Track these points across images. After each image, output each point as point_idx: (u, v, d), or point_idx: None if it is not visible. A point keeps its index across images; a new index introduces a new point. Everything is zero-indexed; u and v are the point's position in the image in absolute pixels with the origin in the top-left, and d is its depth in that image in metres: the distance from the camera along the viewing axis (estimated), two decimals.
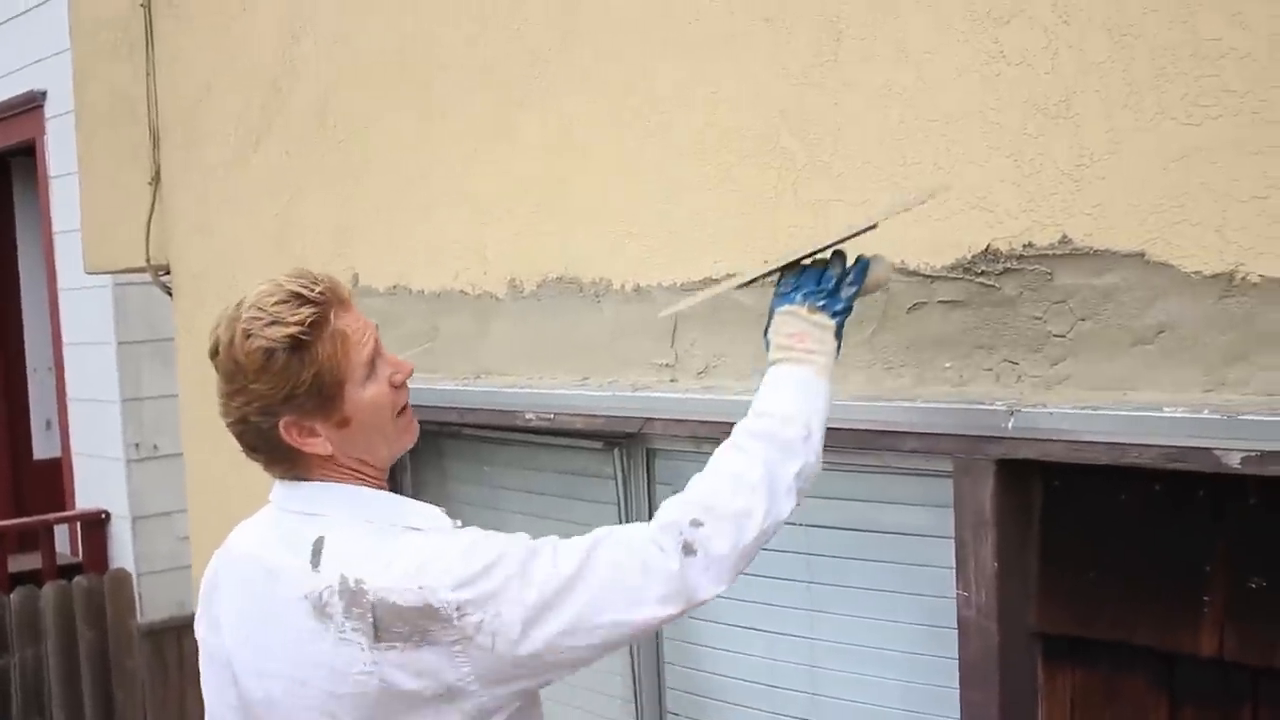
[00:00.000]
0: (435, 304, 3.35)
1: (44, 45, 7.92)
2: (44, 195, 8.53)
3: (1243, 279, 1.95)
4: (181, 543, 6.58)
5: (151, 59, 4.57)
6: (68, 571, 7.98)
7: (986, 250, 2.24)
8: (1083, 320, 2.13)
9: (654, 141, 2.80)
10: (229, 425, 2.05)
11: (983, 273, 2.25)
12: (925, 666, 2.50)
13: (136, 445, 7.93)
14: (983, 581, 2.23)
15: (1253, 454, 1.88)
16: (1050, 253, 2.16)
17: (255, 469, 4.20)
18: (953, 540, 2.27)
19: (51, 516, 8.40)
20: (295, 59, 3.87)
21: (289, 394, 1.94)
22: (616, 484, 3.04)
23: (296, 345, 1.92)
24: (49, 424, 9.41)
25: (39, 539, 8.27)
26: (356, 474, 2.04)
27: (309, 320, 1.92)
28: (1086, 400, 2.11)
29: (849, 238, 2.13)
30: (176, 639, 7.37)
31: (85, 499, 8.43)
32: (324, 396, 1.95)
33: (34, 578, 7.99)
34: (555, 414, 2.98)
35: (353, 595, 1.88)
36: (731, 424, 2.56)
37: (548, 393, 3.01)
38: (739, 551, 1.97)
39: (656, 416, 2.77)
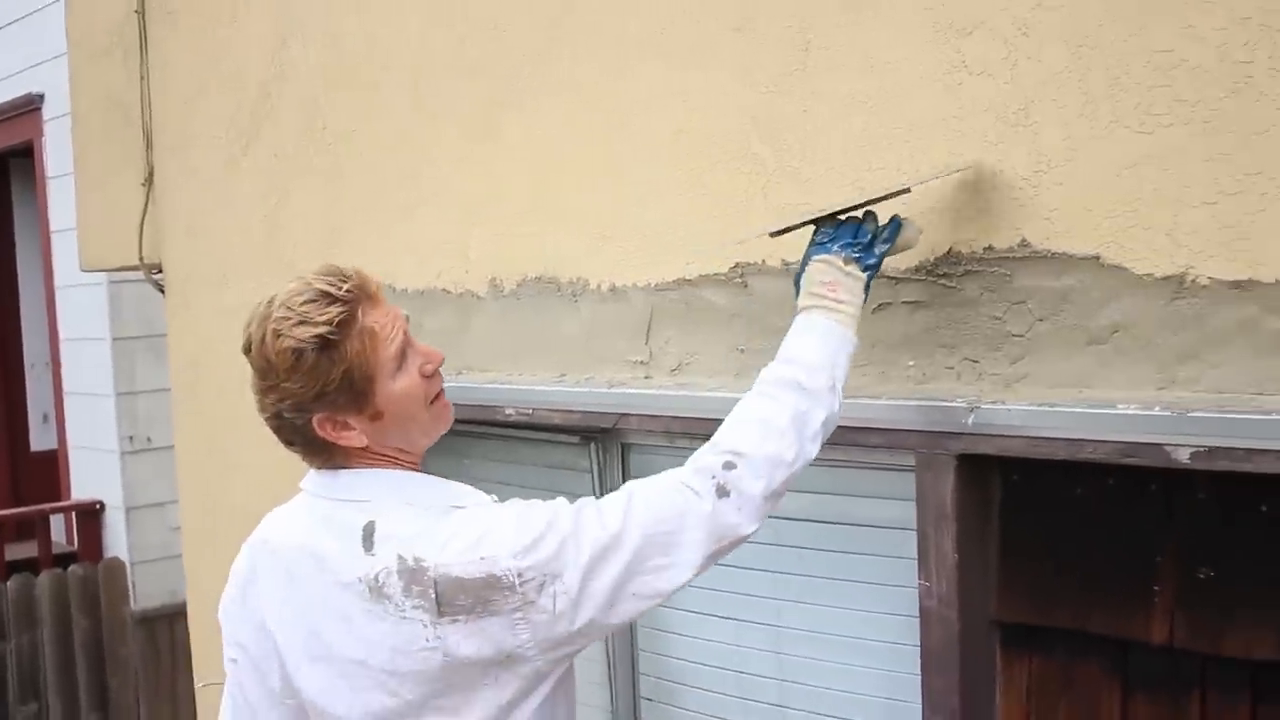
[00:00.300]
0: (419, 302, 3.35)
1: (42, 49, 7.88)
2: (41, 195, 8.49)
3: (1193, 281, 1.96)
4: (174, 533, 6.56)
5: (145, 63, 4.55)
6: (63, 560, 7.97)
7: (949, 253, 2.25)
8: (1040, 320, 2.14)
9: (630, 146, 2.80)
10: (265, 420, 2.05)
11: (945, 274, 2.26)
12: (888, 654, 2.51)
13: (130, 438, 7.91)
14: (944, 572, 2.24)
15: (1201, 450, 1.90)
16: (1009, 255, 2.17)
17: (243, 464, 4.21)
18: (915, 532, 2.28)
19: (48, 506, 8.39)
20: (284, 63, 3.86)
21: (320, 391, 1.93)
22: (592, 477, 3.05)
23: (325, 344, 1.91)
24: (46, 417, 9.38)
25: (35, 528, 8.25)
26: (394, 460, 2.04)
27: (336, 319, 1.91)
28: (1044, 398, 2.12)
29: (885, 198, 2.17)
30: (169, 626, 7.37)
31: (81, 490, 8.41)
32: (355, 392, 1.94)
33: (30, 566, 7.98)
34: (534, 409, 2.99)
35: (412, 574, 1.89)
36: (704, 419, 2.57)
37: (526, 389, 3.01)
38: (771, 491, 1.99)
39: (631, 412, 2.77)
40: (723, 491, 1.95)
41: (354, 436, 1.99)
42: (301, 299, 1.93)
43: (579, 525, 1.91)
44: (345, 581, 1.95)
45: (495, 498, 2.04)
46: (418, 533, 1.93)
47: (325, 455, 2.04)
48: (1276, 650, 1.96)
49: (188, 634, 4.85)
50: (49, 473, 8.84)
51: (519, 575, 1.86)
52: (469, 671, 1.91)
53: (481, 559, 1.87)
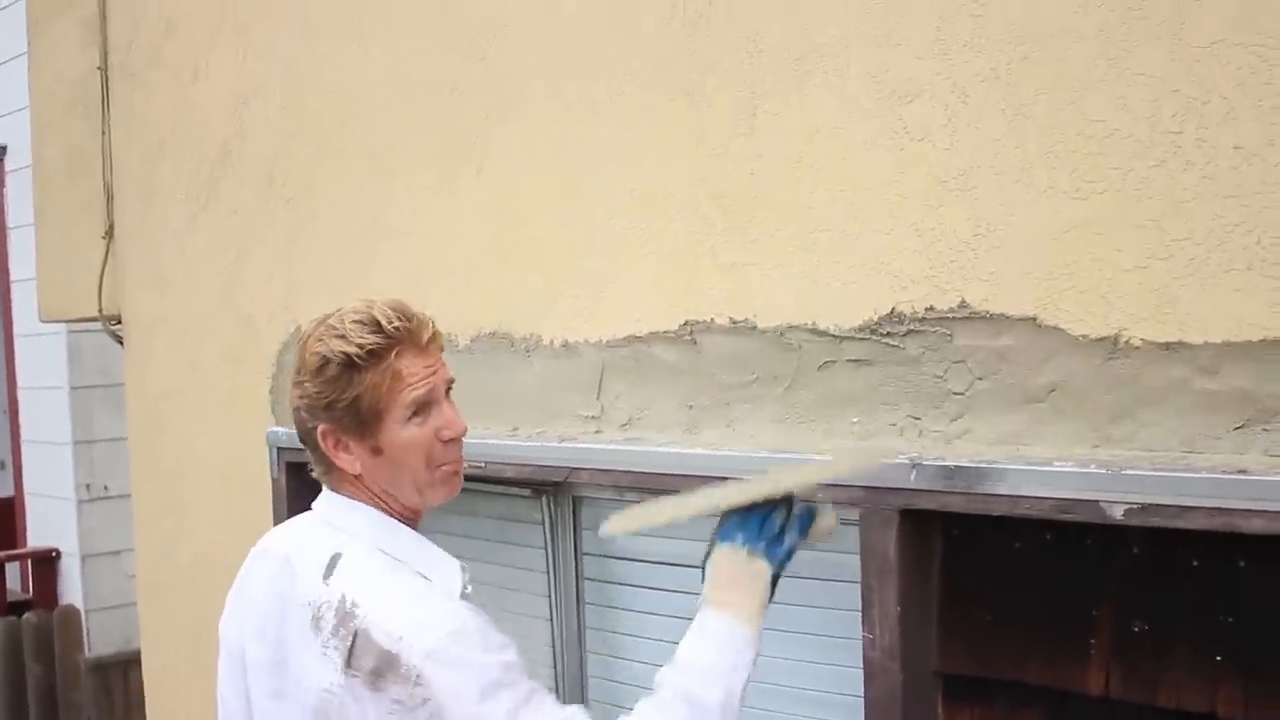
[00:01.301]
0: None
1: (4, 102, 7.83)
2: (2, 245, 8.42)
3: (1126, 342, 1.98)
4: (129, 580, 6.47)
5: (107, 119, 4.54)
6: (18, 608, 7.84)
7: (891, 313, 2.27)
8: (980, 379, 2.16)
9: (583, 205, 2.81)
10: (291, 411, 2.06)
11: (888, 333, 2.28)
12: (833, 704, 2.51)
13: (87, 486, 7.82)
14: (887, 624, 2.24)
15: (1135, 506, 1.92)
16: (950, 316, 2.19)
17: (200, 514, 4.16)
18: (859, 585, 2.28)
19: (3, 554, 8.25)
20: (245, 121, 3.86)
21: (330, 403, 1.95)
22: (544, 529, 3.04)
23: (349, 364, 1.93)
24: (3, 464, 9.24)
25: None
26: (383, 503, 2.03)
27: (369, 348, 1.93)
28: (983, 454, 2.14)
29: (795, 488, 2.00)
30: (123, 673, 7.26)
31: (37, 537, 8.29)
32: (360, 420, 1.95)
33: None
34: (486, 462, 2.98)
35: (344, 616, 1.89)
36: (654, 474, 2.58)
37: (480, 442, 2.99)
38: None
39: (582, 466, 2.77)
40: None
41: (350, 461, 1.99)
42: (354, 318, 1.96)
43: (494, 692, 1.83)
44: (300, 602, 1.96)
45: (468, 588, 2.01)
46: (370, 580, 1.94)
47: (324, 467, 2.05)
48: (1207, 701, 1.97)
49: (141, 682, 4.78)
50: (5, 520, 8.71)
51: (417, 676, 1.82)
52: None
53: (400, 638, 1.84)
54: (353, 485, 2.03)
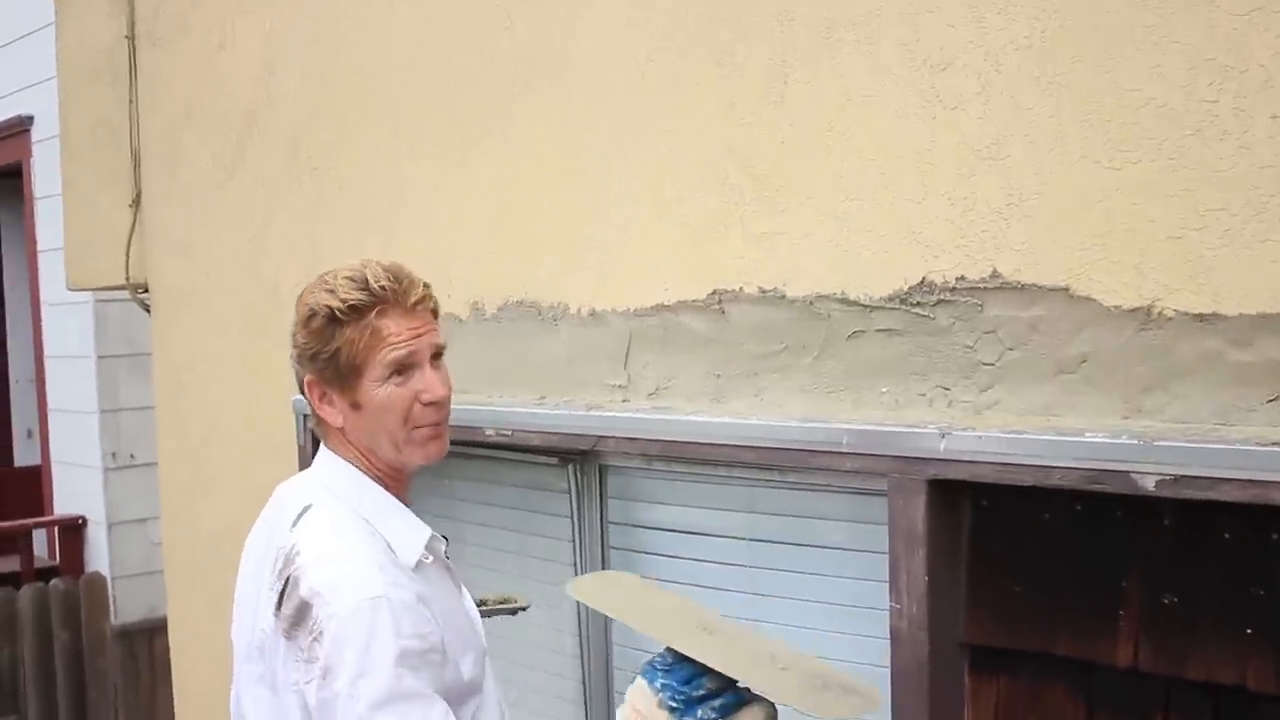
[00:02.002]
0: None
1: (32, 72, 7.84)
2: (29, 215, 8.44)
3: (1159, 313, 1.97)
4: (155, 548, 6.51)
5: (134, 87, 4.54)
6: (45, 574, 7.90)
7: (922, 282, 2.25)
8: (1011, 349, 2.15)
9: (611, 174, 2.80)
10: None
11: (918, 303, 2.26)
12: (860, 674, 2.50)
13: (113, 454, 7.86)
14: (914, 595, 2.23)
15: (1166, 478, 1.90)
16: (981, 286, 2.17)
17: (225, 481, 4.18)
18: (887, 555, 2.28)
19: (30, 521, 8.31)
20: (271, 91, 3.86)
21: (314, 354, 2.01)
22: (570, 498, 3.04)
23: (332, 317, 1.98)
24: (30, 433, 9.31)
25: (18, 543, 8.18)
26: (365, 459, 2.06)
27: (350, 303, 1.97)
28: (1013, 425, 2.12)
29: (753, 684, 1.84)
30: (148, 640, 7.31)
31: (63, 505, 8.34)
32: (340, 373, 1.99)
33: (12, 580, 7.90)
34: (513, 431, 2.98)
35: (286, 562, 1.96)
36: (681, 442, 2.58)
37: (506, 410, 3.01)
38: None
39: (609, 435, 2.77)
40: None
41: (333, 414, 2.04)
42: (346, 274, 2.01)
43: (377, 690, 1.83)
44: (275, 545, 2.03)
45: (428, 557, 2.02)
46: (317, 533, 1.99)
47: (316, 418, 2.10)
48: (1237, 674, 1.96)
49: (167, 648, 4.81)
50: (32, 488, 8.76)
51: (319, 634, 1.86)
52: (274, 672, 1.96)
53: (318, 592, 1.89)
54: (338, 439, 2.07)
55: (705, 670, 1.84)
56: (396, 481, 2.09)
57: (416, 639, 1.88)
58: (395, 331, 1.99)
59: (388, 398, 2.00)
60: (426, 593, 1.97)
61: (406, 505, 2.10)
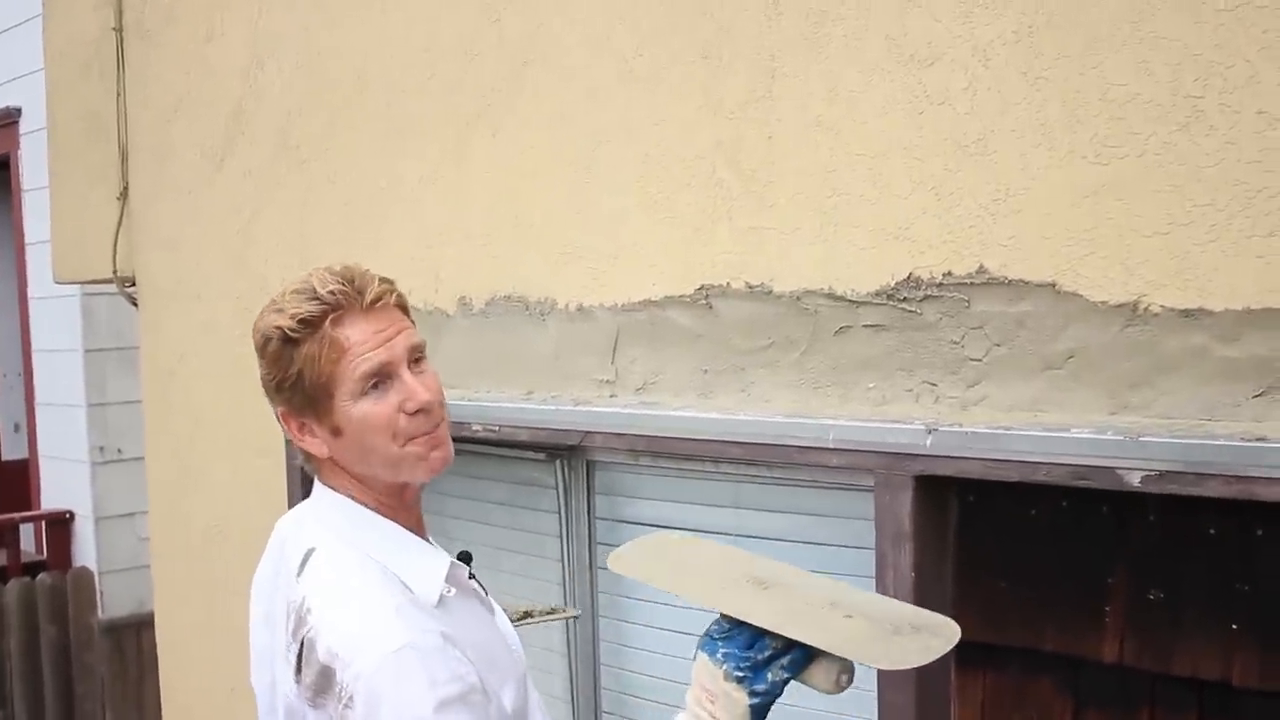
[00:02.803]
0: None
1: (20, 64, 7.82)
2: (17, 207, 8.43)
3: (1145, 309, 1.97)
4: (142, 543, 6.50)
5: (122, 80, 4.53)
6: (32, 569, 7.89)
7: (909, 278, 2.26)
8: (997, 345, 2.15)
9: (598, 168, 2.80)
10: None
11: (905, 299, 2.27)
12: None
13: (101, 448, 7.84)
14: (901, 590, 2.24)
15: (1152, 473, 1.91)
16: (968, 281, 2.18)
17: (213, 476, 4.18)
18: (873, 551, 2.28)
19: (18, 515, 8.29)
20: (260, 83, 3.85)
21: (279, 383, 1.80)
22: (558, 493, 3.04)
23: (285, 338, 1.77)
24: (17, 427, 9.29)
25: (5, 537, 8.17)
26: (361, 488, 1.84)
27: (300, 317, 1.75)
28: (1000, 421, 2.13)
29: (814, 642, 1.67)
30: (136, 635, 7.30)
31: (51, 499, 8.32)
32: (310, 398, 1.78)
33: None
34: (501, 426, 2.98)
35: (299, 621, 1.77)
36: (668, 438, 2.58)
37: (494, 405, 3.01)
38: None
39: (596, 430, 2.77)
40: None
41: (317, 445, 1.83)
42: (293, 288, 1.80)
43: None
44: (284, 597, 1.86)
45: (451, 591, 1.83)
46: (325, 584, 1.79)
47: (304, 456, 1.89)
48: (1222, 670, 1.97)
49: (154, 644, 4.81)
50: (19, 482, 8.75)
51: (349, 698, 1.67)
52: None
53: (337, 654, 1.70)
54: (331, 470, 1.86)
55: (764, 631, 1.66)
56: (402, 506, 1.87)
57: (454, 683, 1.68)
58: (359, 340, 1.76)
59: (367, 416, 1.77)
60: (454, 630, 1.75)
61: (418, 531, 1.89)
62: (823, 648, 1.65)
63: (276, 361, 1.79)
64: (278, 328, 1.77)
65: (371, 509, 1.84)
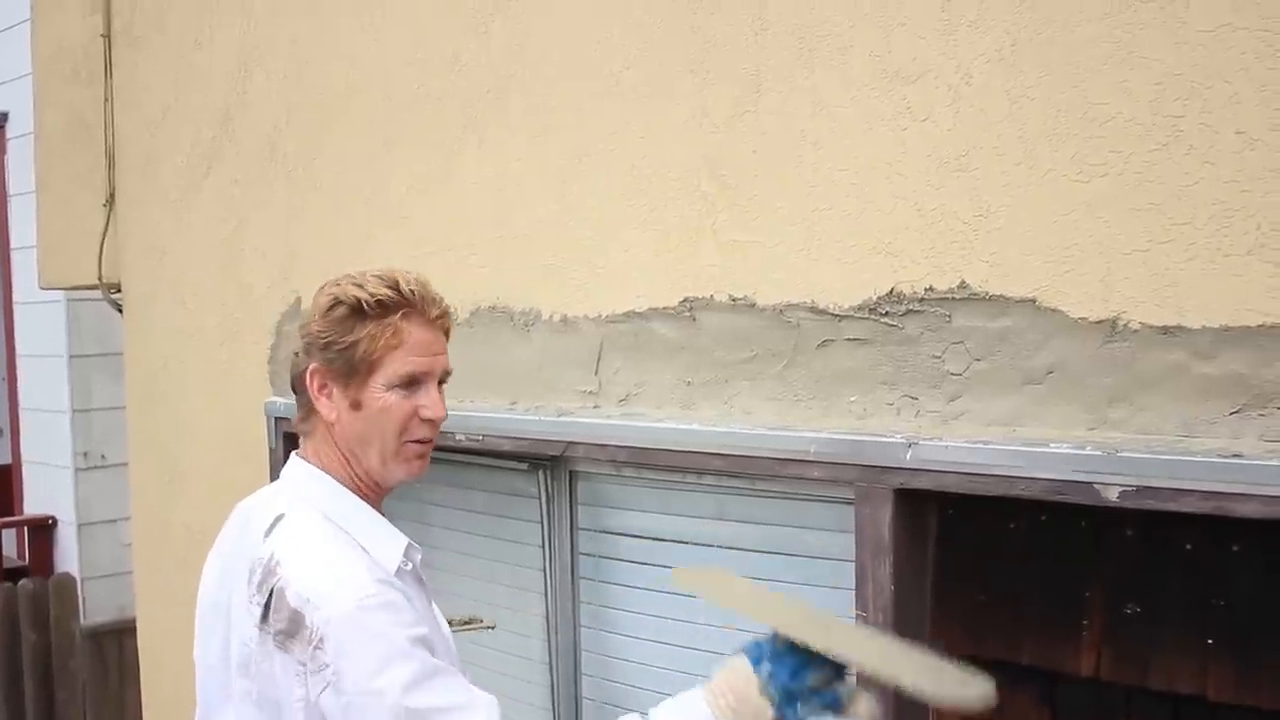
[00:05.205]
0: None
1: (7, 69, 7.81)
2: (2, 212, 8.40)
3: (1125, 325, 1.99)
4: (125, 549, 6.48)
5: (110, 86, 4.53)
6: (14, 574, 7.85)
7: (891, 293, 2.27)
8: (978, 360, 2.17)
9: (584, 180, 2.81)
10: (291, 356, 2.11)
11: (887, 313, 2.28)
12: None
13: (85, 454, 7.82)
14: (881, 603, 2.25)
15: (1130, 489, 1.92)
16: (949, 296, 2.19)
17: (196, 483, 4.16)
18: (854, 564, 2.29)
19: (0, 521, 8.27)
20: (248, 91, 3.86)
21: (328, 343, 1.99)
22: (540, 503, 3.05)
23: (357, 308, 1.97)
24: (1, 432, 9.25)
25: None
26: (345, 465, 2.03)
27: (377, 299, 1.97)
28: (980, 435, 2.14)
29: (872, 669, 1.71)
30: (118, 641, 7.27)
31: (34, 505, 8.30)
32: (351, 367, 1.98)
33: None
34: (484, 436, 2.98)
35: (267, 573, 1.91)
36: (650, 449, 2.58)
37: (478, 416, 3.01)
38: None
39: (579, 440, 2.77)
40: None
41: (329, 408, 2.01)
42: (375, 273, 2.01)
43: (389, 672, 1.79)
44: (247, 557, 1.99)
45: (409, 565, 2.01)
46: (297, 542, 1.94)
47: (304, 412, 2.08)
48: (1198, 684, 1.98)
49: (136, 650, 4.79)
50: (3, 487, 8.71)
51: (320, 640, 1.81)
52: (266, 688, 1.90)
53: (308, 599, 1.84)
54: (321, 438, 2.05)
55: (810, 664, 1.73)
56: (374, 493, 2.06)
57: (418, 626, 1.87)
58: (415, 339, 1.99)
59: (390, 405, 1.98)
60: (410, 597, 1.94)
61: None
62: (884, 675, 1.70)
63: (338, 325, 1.99)
64: (356, 298, 1.97)
65: (347, 486, 2.03)
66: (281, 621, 1.85)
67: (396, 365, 1.98)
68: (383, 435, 2.00)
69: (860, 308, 2.31)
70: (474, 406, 3.06)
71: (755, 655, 1.76)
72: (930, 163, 2.20)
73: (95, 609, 7.75)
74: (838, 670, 1.74)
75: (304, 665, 1.83)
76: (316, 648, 1.81)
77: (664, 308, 2.64)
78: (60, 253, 4.94)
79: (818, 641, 1.72)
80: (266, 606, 1.88)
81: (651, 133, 2.66)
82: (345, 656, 1.80)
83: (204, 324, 4.10)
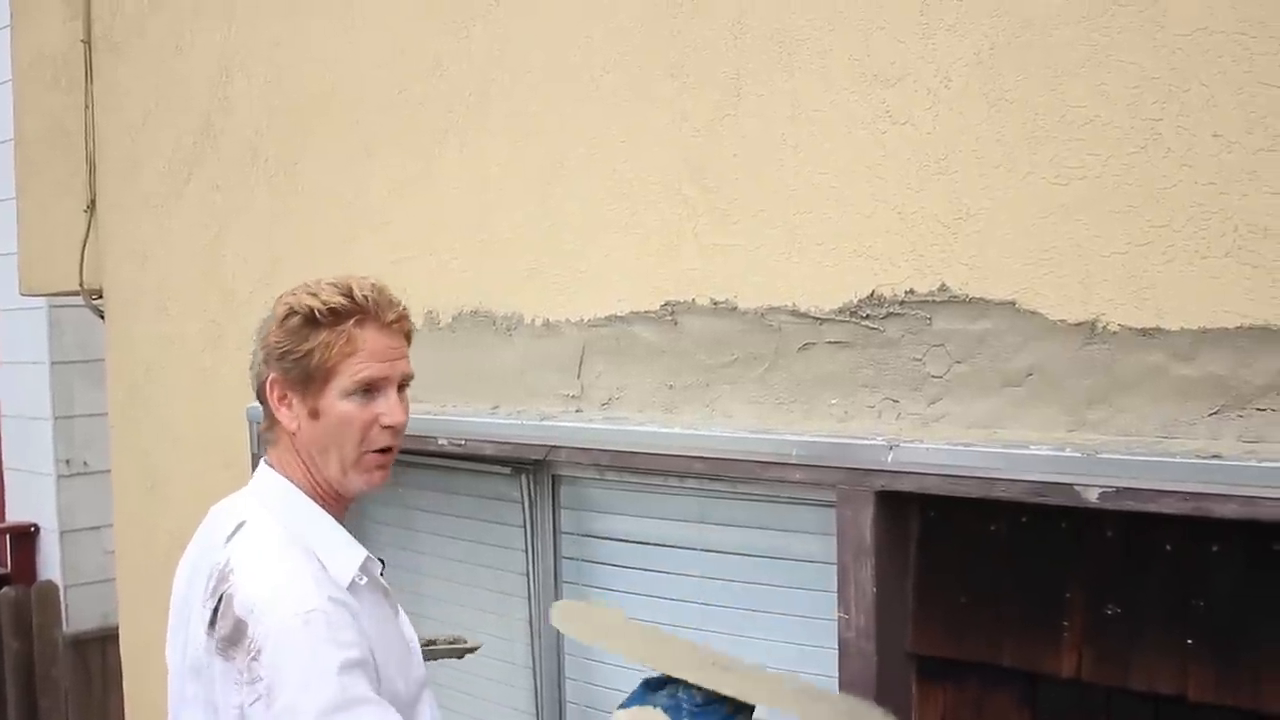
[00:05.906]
0: None
1: None
2: None
3: (1104, 327, 1.99)
4: (108, 556, 6.46)
5: (90, 92, 4.52)
6: None
7: (871, 295, 2.27)
8: (958, 362, 2.17)
9: (565, 184, 2.81)
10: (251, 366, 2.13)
11: (867, 316, 2.28)
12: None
13: (67, 461, 7.78)
14: (862, 605, 2.25)
15: (1110, 490, 1.92)
16: (930, 299, 2.20)
17: (179, 489, 4.15)
18: (835, 566, 2.29)
19: None
20: (229, 96, 3.85)
21: (284, 353, 2.00)
22: (523, 507, 3.04)
23: (311, 318, 1.98)
24: None
25: None
26: (307, 473, 2.04)
27: (330, 306, 1.97)
28: (960, 437, 2.14)
29: (758, 701, 1.75)
30: (101, 649, 7.25)
31: (16, 512, 8.25)
32: (308, 376, 1.98)
33: None
34: (466, 440, 2.98)
35: (220, 579, 1.92)
36: (633, 453, 2.58)
37: (460, 420, 3.01)
38: None
39: (562, 444, 2.77)
40: None
41: (290, 418, 2.03)
42: (329, 281, 2.02)
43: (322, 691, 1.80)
44: (208, 562, 1.99)
45: (363, 579, 1.99)
46: (251, 549, 1.95)
47: (267, 421, 2.09)
48: (1178, 684, 1.98)
49: (119, 658, 4.78)
50: None
51: (258, 651, 1.82)
52: (210, 693, 1.90)
53: (251, 609, 1.84)
54: (285, 447, 2.06)
55: (733, 714, 1.78)
56: (336, 503, 2.06)
57: (356, 648, 1.85)
58: (371, 348, 1.99)
59: (347, 413, 1.99)
60: (360, 612, 1.93)
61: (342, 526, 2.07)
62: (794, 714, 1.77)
63: (293, 335, 2.00)
64: (310, 307, 1.98)
65: (308, 495, 2.04)
66: (226, 628, 1.86)
67: (352, 372, 1.98)
68: (341, 445, 2.01)
69: (841, 311, 2.31)
70: (456, 411, 3.06)
71: (674, 710, 1.80)
72: (910, 166, 2.21)
73: (78, 617, 7.72)
74: (742, 708, 1.78)
75: (241, 674, 1.83)
76: (254, 659, 1.82)
77: (645, 311, 2.64)
78: (41, 259, 4.92)
79: (737, 690, 1.76)
80: (215, 612, 1.89)
81: (632, 136, 2.66)
82: (278, 670, 1.81)
83: (186, 330, 4.09)
